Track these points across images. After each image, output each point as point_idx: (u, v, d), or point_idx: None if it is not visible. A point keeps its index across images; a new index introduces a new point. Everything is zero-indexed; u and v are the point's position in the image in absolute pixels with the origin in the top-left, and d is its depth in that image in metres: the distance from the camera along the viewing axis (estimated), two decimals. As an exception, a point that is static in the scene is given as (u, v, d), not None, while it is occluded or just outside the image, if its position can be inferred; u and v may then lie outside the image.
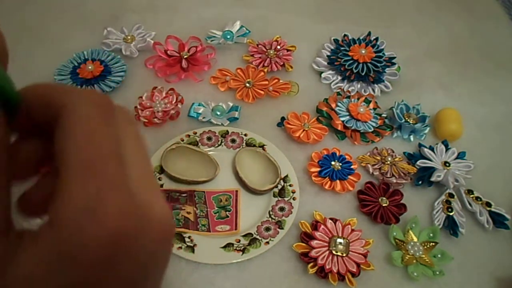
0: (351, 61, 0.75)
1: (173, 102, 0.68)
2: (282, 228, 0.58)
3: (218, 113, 0.69)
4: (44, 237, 0.18)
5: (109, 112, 0.20)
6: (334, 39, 0.80)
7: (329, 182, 0.62)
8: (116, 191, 0.18)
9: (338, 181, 0.62)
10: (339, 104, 0.71)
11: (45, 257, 0.18)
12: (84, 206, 0.17)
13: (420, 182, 0.64)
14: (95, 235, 0.17)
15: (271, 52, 0.77)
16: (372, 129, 0.69)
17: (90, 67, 0.71)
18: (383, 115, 0.71)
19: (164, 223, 0.20)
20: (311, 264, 0.54)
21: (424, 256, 0.56)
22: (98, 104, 0.19)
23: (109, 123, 0.20)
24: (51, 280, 0.18)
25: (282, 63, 0.76)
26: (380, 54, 0.76)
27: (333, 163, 0.64)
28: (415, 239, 0.58)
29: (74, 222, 0.17)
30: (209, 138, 0.66)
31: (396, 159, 0.66)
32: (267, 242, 0.56)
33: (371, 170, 0.65)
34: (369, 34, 0.80)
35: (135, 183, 0.19)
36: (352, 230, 0.57)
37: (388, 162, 0.65)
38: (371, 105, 0.71)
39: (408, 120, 0.69)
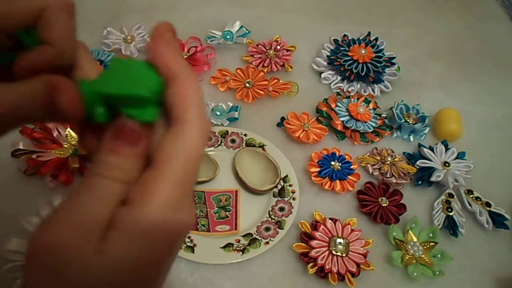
0: (351, 61, 0.75)
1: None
2: (282, 228, 0.58)
3: (218, 113, 0.69)
4: (129, 217, 0.22)
5: (207, 139, 0.25)
6: (334, 39, 0.80)
7: (329, 182, 0.62)
8: (190, 200, 0.24)
9: (338, 181, 0.62)
10: (339, 104, 0.71)
11: (137, 236, 0.22)
12: (173, 206, 0.23)
13: (419, 182, 0.64)
14: (176, 225, 0.23)
15: (271, 52, 0.77)
16: (372, 129, 0.69)
17: None
18: (383, 115, 0.71)
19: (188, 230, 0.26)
20: (311, 264, 0.54)
21: (424, 256, 0.56)
22: (205, 132, 0.24)
23: (204, 147, 0.25)
24: (141, 258, 0.23)
25: (282, 63, 0.76)
26: (380, 54, 0.76)
27: (333, 163, 0.64)
28: (415, 239, 0.58)
29: (163, 213, 0.22)
30: (209, 138, 0.66)
31: (396, 159, 0.66)
32: (267, 242, 0.56)
33: (370, 170, 0.65)
34: (369, 34, 0.80)
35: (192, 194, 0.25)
36: (352, 230, 0.57)
37: (388, 162, 0.65)
38: (371, 105, 0.71)
39: (408, 120, 0.70)
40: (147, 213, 0.22)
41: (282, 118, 0.69)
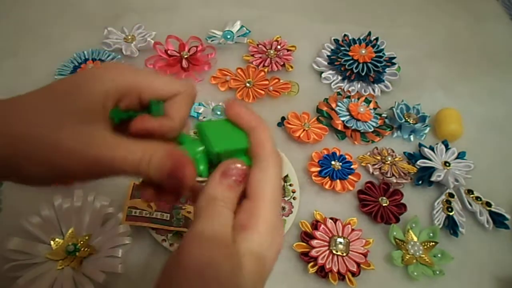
0: (351, 61, 0.75)
1: (174, 102, 0.68)
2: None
3: (219, 112, 0.69)
4: (252, 239, 0.28)
5: (282, 173, 0.31)
6: (334, 39, 0.80)
7: (329, 181, 0.62)
8: (280, 221, 0.31)
9: (338, 180, 0.62)
10: (339, 104, 0.71)
11: (257, 252, 0.28)
12: (274, 226, 0.29)
13: (420, 182, 0.64)
14: (275, 249, 0.29)
15: (271, 52, 0.77)
16: (372, 129, 0.69)
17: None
18: (383, 115, 0.71)
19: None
20: (311, 263, 0.55)
21: (424, 255, 0.56)
22: (280, 166, 0.31)
23: (281, 179, 0.32)
24: (263, 268, 0.29)
25: (282, 63, 0.76)
26: (380, 54, 0.76)
27: (333, 162, 0.64)
28: (415, 239, 0.58)
29: (271, 233, 0.29)
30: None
31: (396, 159, 0.66)
32: (267, 242, 0.56)
33: (371, 170, 0.65)
34: (369, 34, 0.80)
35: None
36: (352, 230, 0.57)
37: (388, 162, 0.65)
38: (371, 105, 0.71)
39: (408, 120, 0.70)
40: (260, 235, 0.28)
41: (283, 118, 0.69)
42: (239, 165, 0.30)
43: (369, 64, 0.75)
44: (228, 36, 0.79)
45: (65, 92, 0.29)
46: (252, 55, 0.77)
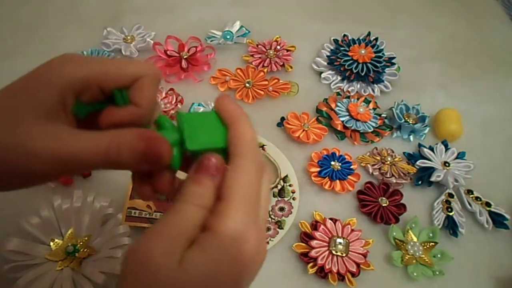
0: (351, 61, 0.75)
1: (173, 102, 0.68)
2: (282, 228, 0.58)
3: (218, 113, 0.69)
4: (211, 242, 0.26)
5: (262, 171, 0.30)
6: (333, 39, 0.80)
7: (329, 182, 0.62)
8: (255, 226, 0.28)
9: (338, 181, 0.62)
10: (338, 104, 0.71)
11: (213, 255, 0.26)
12: (241, 229, 0.27)
13: (419, 182, 0.64)
14: (241, 252, 0.27)
15: (271, 52, 0.77)
16: (372, 129, 0.69)
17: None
18: (382, 115, 0.71)
19: (263, 257, 0.29)
20: (311, 264, 0.55)
21: (424, 256, 0.56)
22: (258, 164, 0.29)
23: (260, 178, 0.29)
24: (217, 274, 0.26)
25: (281, 63, 0.76)
26: (380, 54, 0.76)
27: (332, 163, 0.64)
28: (415, 239, 0.58)
29: (231, 238, 0.26)
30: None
31: (396, 159, 0.66)
32: (267, 242, 0.56)
33: (370, 170, 0.65)
34: (368, 34, 0.80)
35: (261, 221, 0.29)
36: (352, 230, 0.57)
37: (388, 162, 0.65)
38: (371, 105, 0.71)
39: (408, 120, 0.69)
40: (223, 239, 0.26)
41: (282, 118, 0.69)
42: (213, 160, 0.29)
43: (369, 64, 0.75)
44: (228, 36, 0.79)
45: (22, 89, 0.29)
46: (252, 55, 0.77)
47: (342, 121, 0.69)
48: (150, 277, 0.25)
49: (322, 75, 0.77)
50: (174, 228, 0.27)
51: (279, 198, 0.61)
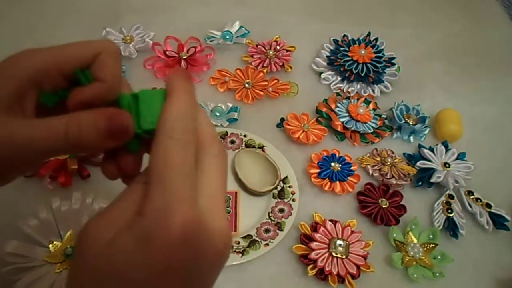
0: (351, 62, 0.75)
1: (172, 103, 0.68)
2: (282, 230, 0.58)
3: (217, 114, 0.68)
4: (135, 223, 0.25)
5: (190, 147, 0.27)
6: (333, 40, 0.80)
7: (328, 183, 0.62)
8: (182, 203, 0.25)
9: (337, 182, 0.62)
10: (338, 105, 0.70)
11: (134, 237, 0.25)
12: (159, 210, 0.25)
13: (420, 183, 0.64)
14: (166, 232, 0.24)
15: (271, 52, 0.77)
16: (372, 130, 0.69)
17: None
18: (382, 116, 0.71)
19: (223, 236, 0.27)
20: (311, 266, 0.54)
21: (424, 257, 0.56)
22: (184, 140, 0.27)
23: (187, 151, 0.27)
24: (138, 255, 0.25)
25: (281, 64, 0.76)
26: (380, 54, 0.76)
27: (332, 164, 0.64)
28: (415, 241, 0.58)
29: (154, 219, 0.25)
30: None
31: (396, 160, 0.66)
32: (267, 244, 0.56)
33: (370, 171, 0.64)
34: (368, 34, 0.79)
35: (204, 201, 0.27)
36: (352, 232, 0.57)
37: (388, 163, 0.65)
38: (371, 106, 0.71)
39: (408, 121, 0.69)
40: (144, 217, 0.25)
41: (282, 119, 0.69)
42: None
43: (369, 65, 0.74)
44: (227, 37, 0.78)
45: None
46: (251, 56, 0.77)
47: (342, 122, 0.68)
48: (81, 256, 0.26)
49: (322, 76, 0.76)
50: (115, 210, 0.27)
51: (279, 200, 0.61)
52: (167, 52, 0.73)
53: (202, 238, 0.26)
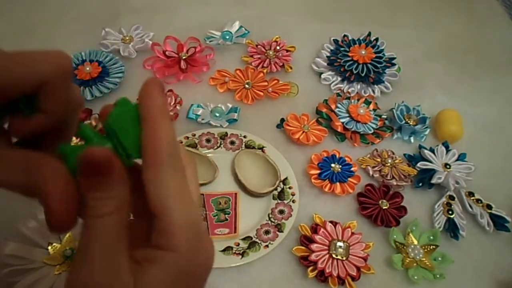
0: (351, 62, 0.75)
1: (172, 104, 0.67)
2: (282, 231, 0.57)
3: (217, 114, 0.68)
4: (165, 260, 0.25)
5: (184, 174, 0.27)
6: (333, 40, 0.80)
7: (329, 184, 0.62)
8: (200, 229, 0.26)
9: (338, 183, 0.62)
10: (339, 105, 0.70)
11: (168, 272, 0.25)
12: (193, 242, 0.25)
13: (420, 184, 0.64)
14: (202, 262, 0.26)
15: (271, 52, 0.77)
16: (372, 131, 0.68)
17: (88, 69, 0.71)
18: (383, 116, 0.71)
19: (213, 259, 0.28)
20: (311, 267, 0.54)
21: (424, 259, 0.56)
22: (180, 169, 0.26)
23: (185, 182, 0.27)
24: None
25: (281, 64, 0.76)
26: (380, 54, 0.76)
27: (333, 165, 0.63)
28: (416, 242, 0.58)
29: (191, 251, 0.25)
30: (208, 140, 0.65)
31: (396, 161, 0.65)
32: (267, 246, 0.56)
33: (371, 172, 0.64)
34: (369, 34, 0.79)
35: (200, 221, 0.27)
36: (352, 233, 0.57)
37: (388, 164, 0.65)
38: (371, 106, 0.71)
39: (408, 121, 0.69)
40: (178, 254, 0.25)
41: (282, 120, 0.68)
42: (99, 153, 0.23)
43: (369, 65, 0.74)
44: (227, 37, 0.78)
45: None
46: (251, 56, 0.77)
47: (342, 123, 0.68)
48: None
49: (322, 76, 0.76)
50: (106, 250, 0.24)
51: (279, 201, 0.60)
52: (167, 53, 0.73)
53: (210, 264, 0.27)
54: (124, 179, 0.25)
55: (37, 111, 0.26)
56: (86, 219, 0.24)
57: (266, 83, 0.72)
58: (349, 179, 0.63)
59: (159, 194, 0.25)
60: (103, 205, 0.24)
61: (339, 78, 0.76)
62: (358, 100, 0.71)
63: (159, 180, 0.25)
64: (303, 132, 0.66)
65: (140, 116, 0.26)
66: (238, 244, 0.56)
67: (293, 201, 0.60)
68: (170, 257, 0.25)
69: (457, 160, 0.66)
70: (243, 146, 0.65)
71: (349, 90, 0.74)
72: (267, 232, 0.57)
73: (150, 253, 0.25)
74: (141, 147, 0.26)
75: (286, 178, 0.62)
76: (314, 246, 0.55)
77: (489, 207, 0.62)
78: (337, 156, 0.65)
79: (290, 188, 0.62)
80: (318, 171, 0.63)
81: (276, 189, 0.61)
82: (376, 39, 0.78)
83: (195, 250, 0.25)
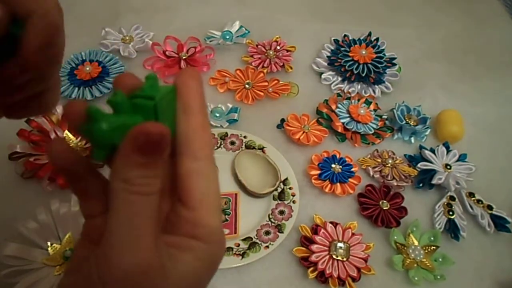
0: (352, 62, 0.74)
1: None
2: (282, 232, 0.57)
3: (217, 114, 0.68)
4: (200, 250, 0.25)
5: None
6: (334, 40, 0.79)
7: (329, 185, 0.62)
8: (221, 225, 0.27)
9: (338, 184, 0.62)
10: (339, 105, 0.70)
11: (201, 261, 0.25)
12: (220, 236, 0.27)
13: (421, 185, 0.64)
14: (222, 254, 0.27)
15: (271, 52, 0.76)
16: (373, 131, 0.68)
17: (87, 69, 0.70)
18: (383, 116, 0.71)
19: None
20: (311, 268, 0.54)
21: (425, 260, 0.56)
22: (214, 163, 0.27)
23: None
24: (202, 277, 0.26)
25: (281, 64, 0.76)
26: (381, 54, 0.76)
27: (333, 165, 0.63)
28: (416, 243, 0.57)
29: (219, 243, 0.27)
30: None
31: (397, 162, 0.65)
32: (267, 246, 0.56)
33: (371, 173, 0.64)
34: (369, 34, 0.79)
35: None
36: (353, 234, 0.57)
37: (389, 165, 0.64)
38: (372, 106, 0.71)
39: (409, 121, 0.69)
40: (211, 244, 0.26)
41: (282, 120, 0.68)
42: (158, 130, 0.22)
43: (370, 65, 0.74)
44: (227, 37, 0.78)
45: None
46: (251, 56, 0.77)
47: (343, 123, 0.68)
48: None
49: (323, 76, 0.76)
50: (145, 232, 0.24)
51: (279, 201, 0.60)
52: (167, 52, 0.73)
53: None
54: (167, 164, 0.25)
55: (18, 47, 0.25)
56: (128, 195, 0.23)
57: (266, 83, 0.72)
58: (349, 179, 0.63)
59: (200, 187, 0.25)
60: (151, 183, 0.24)
61: (340, 78, 0.75)
62: (358, 100, 0.71)
63: (202, 173, 0.25)
64: (304, 132, 0.66)
65: (179, 103, 0.26)
66: (238, 245, 0.56)
67: (294, 202, 0.60)
68: (204, 248, 0.25)
69: (457, 160, 0.66)
70: (243, 146, 0.65)
71: (350, 90, 0.74)
72: (267, 233, 0.57)
73: (183, 241, 0.25)
74: (175, 133, 0.26)
75: (286, 179, 0.62)
76: (314, 247, 0.55)
77: (489, 207, 0.62)
78: (338, 156, 0.65)
79: (290, 188, 0.61)
80: (318, 172, 0.63)
81: (276, 189, 0.61)
82: (377, 39, 0.78)
83: (221, 243, 0.27)
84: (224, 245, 0.28)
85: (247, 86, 0.72)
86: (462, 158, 0.66)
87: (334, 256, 0.54)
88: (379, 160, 0.65)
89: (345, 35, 0.80)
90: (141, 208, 0.23)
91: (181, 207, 0.25)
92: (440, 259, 0.57)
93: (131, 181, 0.23)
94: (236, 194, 0.61)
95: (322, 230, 0.57)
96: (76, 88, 0.69)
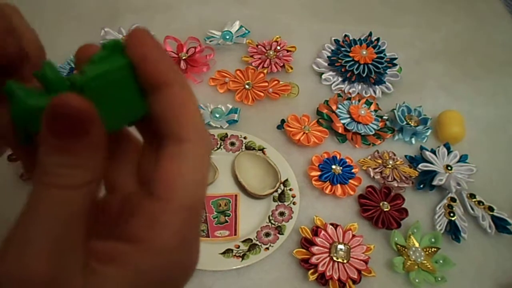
0: (352, 62, 0.74)
1: (172, 105, 0.67)
2: (282, 234, 0.57)
3: (217, 115, 0.68)
4: (141, 259, 0.20)
5: (209, 157, 0.22)
6: (334, 40, 0.79)
7: (329, 186, 0.62)
8: (198, 230, 0.23)
9: (338, 185, 0.62)
10: (339, 106, 0.70)
11: (137, 279, 0.20)
12: (183, 241, 0.21)
13: (421, 186, 0.63)
14: (186, 264, 0.22)
15: (271, 53, 0.76)
16: (373, 132, 0.68)
17: None
18: (384, 117, 0.71)
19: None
20: (312, 270, 0.54)
21: (425, 261, 0.56)
22: (206, 148, 0.22)
23: (208, 167, 0.22)
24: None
25: (282, 64, 0.75)
26: (381, 55, 0.75)
27: (333, 167, 0.63)
28: (417, 245, 0.57)
29: (178, 250, 0.20)
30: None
31: (398, 163, 0.65)
32: (267, 248, 0.56)
33: (372, 174, 0.64)
34: (370, 34, 0.79)
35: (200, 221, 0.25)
36: (353, 236, 0.57)
37: (390, 166, 0.64)
38: (372, 107, 0.70)
39: (410, 122, 0.69)
40: (159, 252, 0.20)
41: (282, 121, 0.68)
42: (73, 103, 0.17)
43: (370, 65, 0.73)
44: (227, 37, 0.78)
45: None
46: (251, 56, 0.76)
47: (343, 124, 0.68)
48: None
49: (323, 76, 0.76)
50: (57, 235, 0.18)
51: (279, 203, 0.60)
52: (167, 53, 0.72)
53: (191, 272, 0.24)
54: (103, 146, 0.19)
55: None
56: (39, 186, 0.18)
57: (266, 84, 0.71)
58: (350, 180, 0.62)
59: (178, 172, 0.20)
60: (69, 174, 0.18)
61: (340, 79, 0.75)
62: (359, 101, 0.71)
63: (186, 156, 0.20)
64: (304, 133, 0.66)
65: (139, 77, 0.21)
66: (238, 247, 0.56)
67: (294, 203, 0.60)
68: (143, 255, 0.20)
69: (458, 161, 0.65)
70: (243, 147, 0.65)
71: (350, 91, 0.74)
72: (267, 235, 0.57)
73: (117, 247, 0.20)
74: (136, 117, 0.21)
75: (286, 180, 0.62)
76: (314, 249, 0.55)
77: (491, 209, 0.62)
78: (338, 157, 0.65)
79: (290, 190, 0.61)
80: (318, 173, 0.62)
81: (276, 191, 0.61)
82: (377, 39, 0.78)
83: (182, 249, 0.21)
84: (195, 250, 0.22)
85: (247, 86, 0.71)
86: (463, 159, 0.66)
87: (334, 258, 0.54)
88: (380, 161, 0.65)
89: (345, 35, 0.79)
90: (51, 204, 0.18)
91: (145, 199, 0.20)
92: (441, 261, 0.57)
93: (45, 169, 0.18)
94: (236, 196, 0.61)
95: (323, 232, 0.56)
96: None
